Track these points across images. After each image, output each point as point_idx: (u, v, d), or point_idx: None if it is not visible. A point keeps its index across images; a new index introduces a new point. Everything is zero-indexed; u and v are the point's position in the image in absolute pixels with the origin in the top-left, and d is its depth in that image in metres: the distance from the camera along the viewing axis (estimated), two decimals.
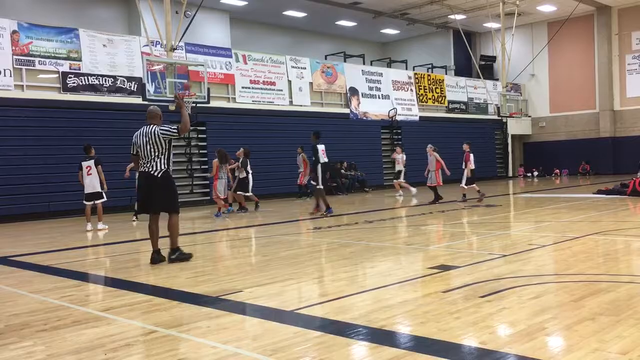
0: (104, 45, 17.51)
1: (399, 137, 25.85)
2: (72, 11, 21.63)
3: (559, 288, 5.57)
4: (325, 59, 26.96)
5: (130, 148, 7.80)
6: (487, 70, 31.74)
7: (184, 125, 7.66)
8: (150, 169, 7.58)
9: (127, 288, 6.25)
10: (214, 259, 8.35)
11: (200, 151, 19.89)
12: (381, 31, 32.02)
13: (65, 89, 16.65)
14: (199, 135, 19.78)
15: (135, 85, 17.77)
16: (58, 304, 5.58)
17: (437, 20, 30.02)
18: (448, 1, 26.87)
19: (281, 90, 21.91)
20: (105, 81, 17.40)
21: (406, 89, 26.83)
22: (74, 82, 16.80)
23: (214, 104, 18.49)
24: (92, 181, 12.42)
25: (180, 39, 16.95)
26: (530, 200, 16.86)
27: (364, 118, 24.88)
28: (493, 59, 31.44)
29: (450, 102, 28.91)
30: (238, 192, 15.49)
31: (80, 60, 16.96)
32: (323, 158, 13.70)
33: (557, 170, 31.19)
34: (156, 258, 7.71)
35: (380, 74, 26.08)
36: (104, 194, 12.67)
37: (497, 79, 30.39)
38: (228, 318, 4.85)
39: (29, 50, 16.03)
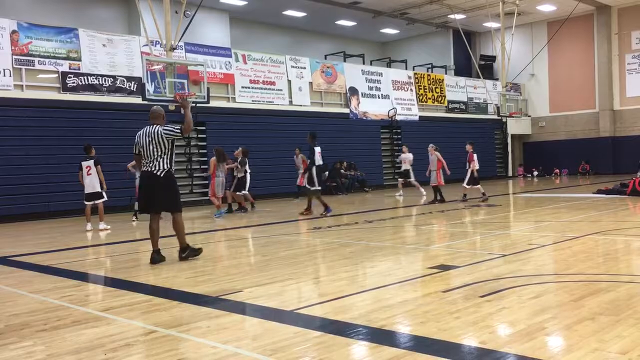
0: (103, 45, 17.50)
1: (399, 137, 25.87)
2: (72, 11, 21.63)
3: (559, 288, 5.57)
4: (325, 58, 26.96)
5: (133, 147, 7.82)
6: (487, 70, 31.74)
7: (187, 126, 7.68)
8: (153, 169, 7.60)
9: (126, 288, 6.25)
10: (214, 259, 8.35)
11: (200, 151, 19.89)
12: (381, 31, 32.02)
13: (65, 88, 16.65)
14: (199, 135, 19.79)
15: (135, 85, 17.77)
16: (58, 304, 5.58)
17: (437, 19, 30.02)
18: (448, 1, 26.86)
19: (281, 90, 21.91)
20: (105, 81, 17.40)
21: (406, 89, 26.83)
22: (73, 82, 16.79)
23: (213, 103, 18.48)
24: (91, 181, 12.42)
25: (180, 39, 16.93)
26: (530, 200, 16.87)
27: (364, 118, 24.88)
28: (493, 58, 31.44)
29: (450, 101, 28.91)
30: (236, 192, 15.50)
31: (79, 60, 16.96)
32: (319, 160, 13.74)
33: (557, 170, 31.19)
34: (156, 258, 7.71)
35: (380, 74, 26.08)
36: (104, 194, 12.66)
37: (496, 79, 30.39)
38: (228, 318, 4.85)
39: (29, 50, 16.03)
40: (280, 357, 3.79)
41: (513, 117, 27.80)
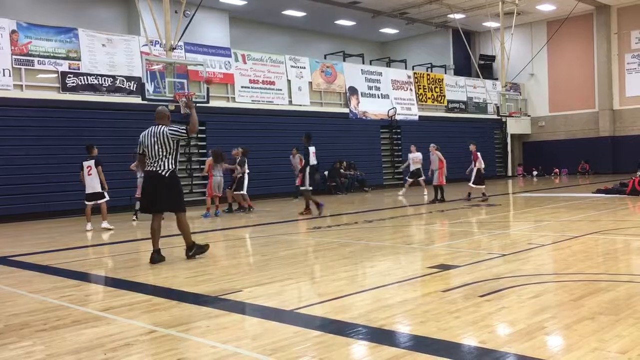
0: (103, 45, 17.49)
1: (399, 136, 25.87)
2: (72, 11, 21.62)
3: (559, 287, 5.57)
4: (325, 58, 26.96)
5: (137, 147, 7.82)
6: (487, 69, 31.73)
7: (192, 126, 7.72)
8: (157, 169, 7.61)
9: (126, 288, 6.25)
10: (214, 258, 8.35)
11: (200, 151, 19.87)
12: (380, 30, 32.02)
13: (65, 88, 16.64)
14: (199, 135, 19.76)
15: (135, 85, 17.75)
16: (57, 304, 5.58)
17: (437, 19, 30.02)
18: (447, 0, 26.86)
19: (280, 89, 21.90)
20: (105, 81, 17.39)
21: (405, 89, 26.83)
22: (73, 82, 16.78)
23: (213, 103, 18.49)
24: (92, 181, 12.39)
25: (180, 39, 16.95)
26: (530, 199, 16.87)
27: (364, 117, 24.88)
28: (492, 58, 31.45)
29: (449, 101, 28.90)
30: (236, 192, 15.50)
31: (79, 60, 16.94)
32: (313, 160, 13.89)
33: (557, 170, 31.19)
34: (156, 258, 7.71)
35: (380, 74, 26.08)
36: (105, 194, 12.64)
37: (496, 79, 30.39)
38: (227, 318, 4.85)
39: (28, 50, 16.02)
40: (280, 356, 3.79)
41: (513, 116, 27.83)
